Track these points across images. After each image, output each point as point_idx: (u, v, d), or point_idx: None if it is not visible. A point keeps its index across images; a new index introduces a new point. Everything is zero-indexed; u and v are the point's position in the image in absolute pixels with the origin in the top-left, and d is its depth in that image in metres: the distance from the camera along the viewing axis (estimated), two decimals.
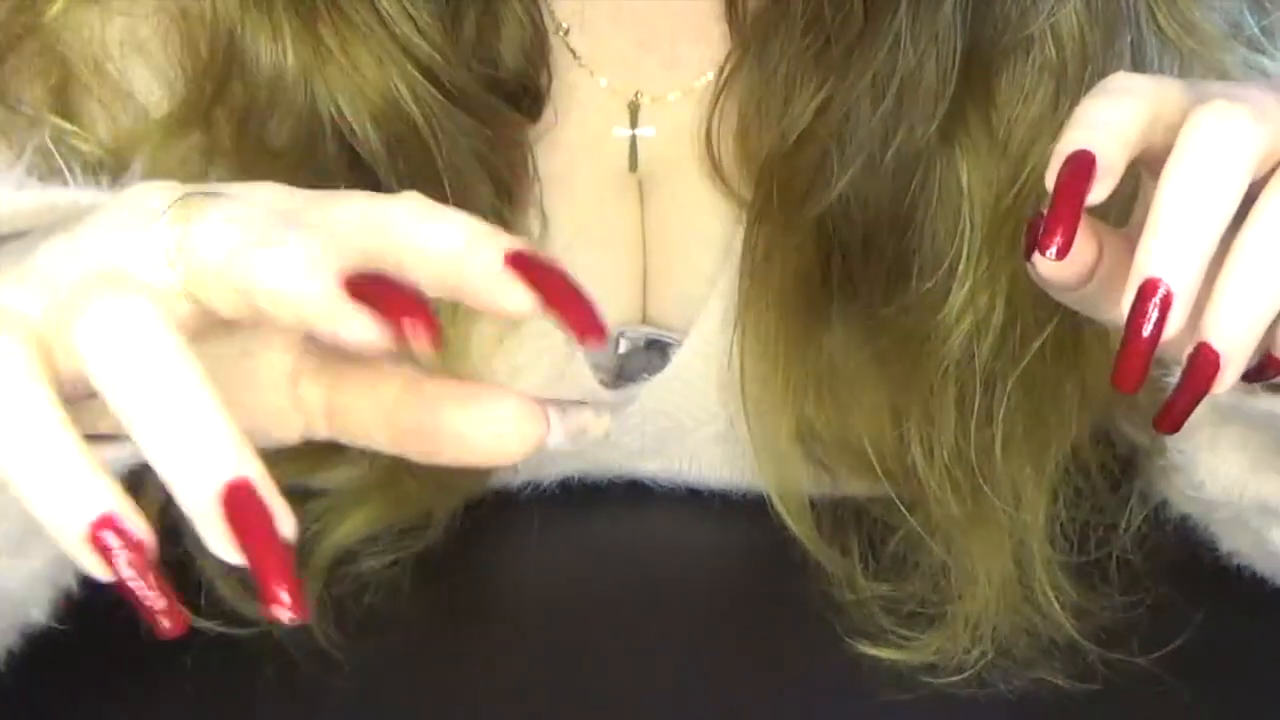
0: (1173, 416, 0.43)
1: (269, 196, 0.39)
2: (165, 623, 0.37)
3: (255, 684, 0.57)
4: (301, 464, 0.63)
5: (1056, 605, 0.59)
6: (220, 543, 0.36)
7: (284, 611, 0.36)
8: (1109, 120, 0.43)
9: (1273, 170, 0.42)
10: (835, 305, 0.61)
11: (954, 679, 0.57)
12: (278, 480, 0.62)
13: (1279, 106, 0.43)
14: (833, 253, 0.60)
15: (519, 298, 0.37)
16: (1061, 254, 0.43)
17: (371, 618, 0.60)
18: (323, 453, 0.63)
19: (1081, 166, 0.42)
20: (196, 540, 0.59)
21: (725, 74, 0.62)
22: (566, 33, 0.63)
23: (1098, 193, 0.42)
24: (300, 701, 0.58)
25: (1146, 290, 0.41)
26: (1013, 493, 0.60)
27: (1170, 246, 0.41)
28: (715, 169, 0.63)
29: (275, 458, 0.62)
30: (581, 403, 0.41)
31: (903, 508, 0.62)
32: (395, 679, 0.58)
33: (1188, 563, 0.62)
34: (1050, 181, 0.43)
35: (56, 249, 0.39)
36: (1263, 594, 0.62)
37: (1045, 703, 0.57)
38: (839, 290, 0.60)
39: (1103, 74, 0.56)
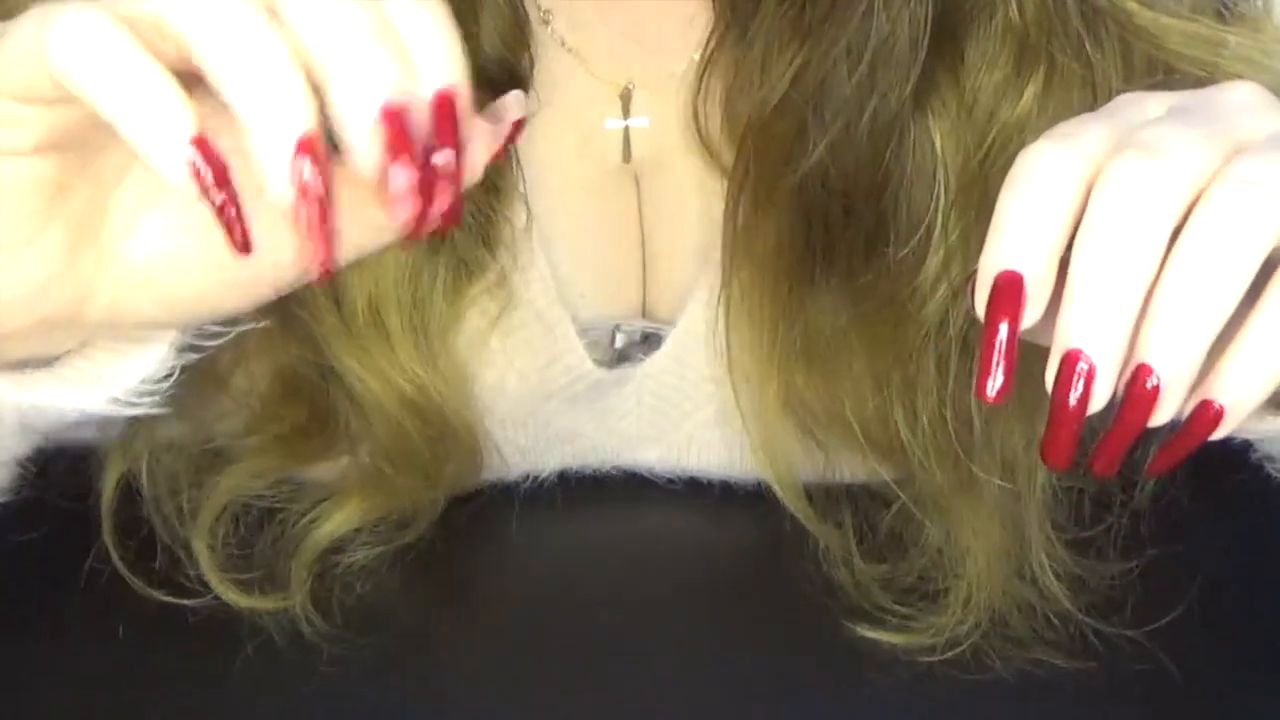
0: (1108, 454, 0.43)
1: None
2: (237, 236, 0.41)
3: (234, 665, 0.58)
4: (290, 458, 0.63)
5: (1052, 576, 0.59)
6: (279, 179, 0.40)
7: (315, 257, 0.41)
8: (1033, 227, 0.42)
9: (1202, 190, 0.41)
10: (818, 272, 0.61)
11: (949, 655, 0.57)
12: (263, 474, 0.63)
13: (1196, 131, 0.42)
14: (813, 219, 0.60)
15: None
16: (1003, 393, 0.42)
17: (362, 609, 0.60)
18: (311, 446, 0.63)
19: (1011, 291, 0.42)
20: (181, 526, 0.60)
21: (709, 50, 0.62)
22: (548, 16, 0.63)
23: (1031, 315, 0.42)
24: (283, 688, 0.58)
25: (1069, 361, 0.41)
26: (1002, 462, 0.60)
27: (1089, 317, 0.41)
28: (703, 145, 0.63)
29: (265, 453, 0.63)
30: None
31: (891, 483, 0.62)
32: (385, 670, 0.58)
33: (1187, 532, 0.62)
34: (980, 308, 0.42)
35: None
36: (1262, 561, 0.62)
37: (1042, 683, 0.57)
38: (821, 257, 0.60)
39: (1062, 39, 0.57)
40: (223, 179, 0.40)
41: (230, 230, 0.41)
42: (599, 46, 0.64)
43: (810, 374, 0.62)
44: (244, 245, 0.41)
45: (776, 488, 0.63)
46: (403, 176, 0.41)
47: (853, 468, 0.64)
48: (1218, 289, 0.40)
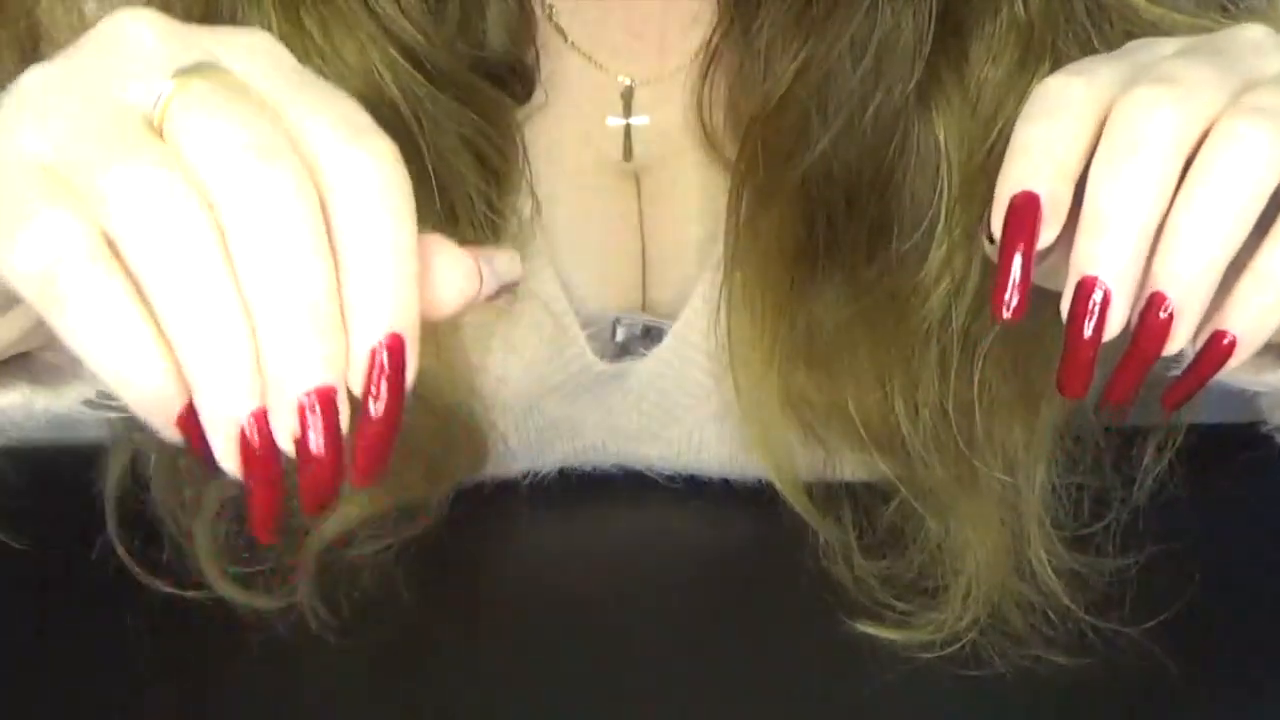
0: (1123, 383, 0.43)
1: (263, 70, 0.39)
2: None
3: (239, 657, 0.58)
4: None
5: (1051, 573, 0.59)
6: (226, 455, 0.37)
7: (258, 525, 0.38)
8: (1049, 150, 0.43)
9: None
10: (820, 267, 0.61)
11: (948, 651, 0.57)
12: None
13: (1208, 68, 0.43)
14: (816, 214, 0.60)
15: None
16: (1018, 314, 0.43)
17: (364, 601, 0.60)
18: None
19: (1027, 211, 0.42)
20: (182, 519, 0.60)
21: (713, 46, 0.62)
22: (552, 11, 0.63)
23: (1046, 237, 0.42)
24: (288, 679, 0.58)
25: (1084, 289, 0.41)
26: (1003, 458, 0.60)
27: (1104, 244, 0.41)
28: (708, 139, 0.63)
29: None
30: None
31: (893, 477, 0.62)
32: (389, 662, 0.59)
33: (1185, 529, 0.61)
34: (997, 227, 0.43)
35: (50, 78, 0.39)
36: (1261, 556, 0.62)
37: (1041, 679, 0.57)
38: (823, 252, 0.61)
39: (1067, 34, 0.57)
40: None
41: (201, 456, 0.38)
42: (602, 43, 0.64)
43: (811, 369, 0.62)
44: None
45: (776, 482, 0.63)
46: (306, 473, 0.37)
47: (852, 465, 0.64)
48: (1230, 217, 0.41)
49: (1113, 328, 0.42)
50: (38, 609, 0.61)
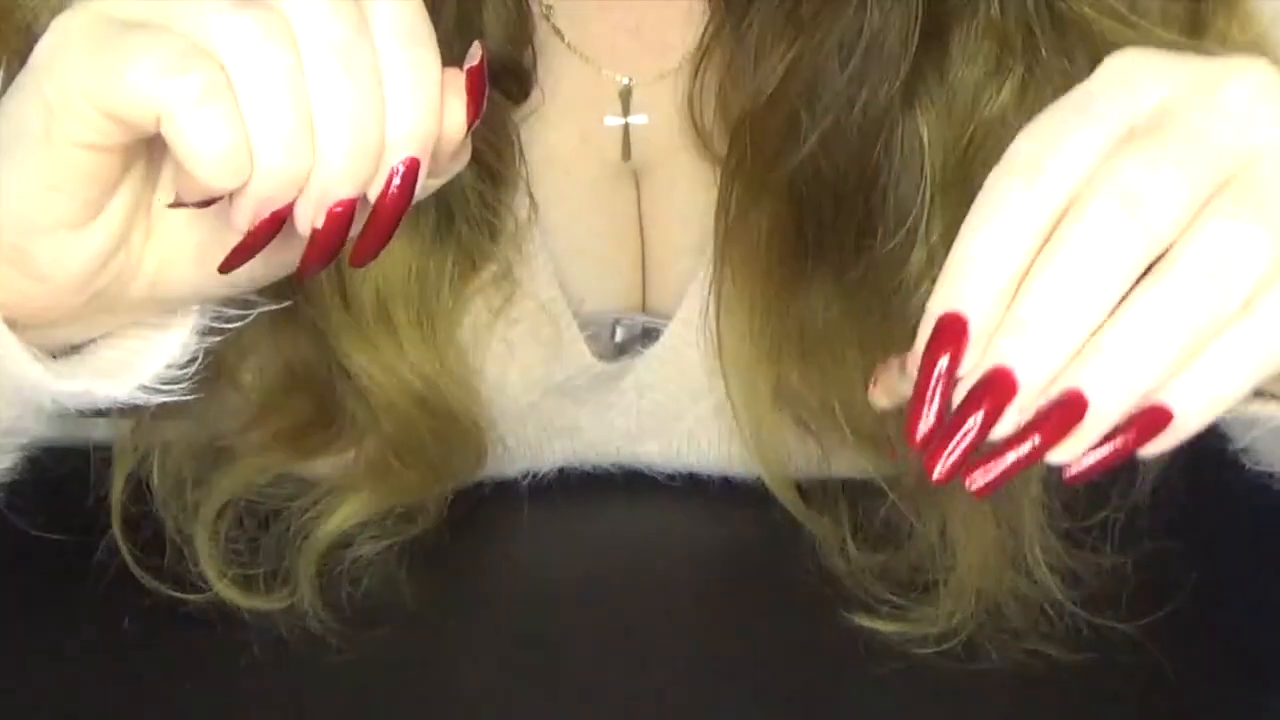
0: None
1: None
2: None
3: (241, 659, 0.58)
4: (294, 453, 0.63)
5: (1046, 570, 0.59)
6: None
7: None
8: (990, 262, 0.40)
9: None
10: (809, 263, 0.61)
11: (945, 647, 0.58)
12: (268, 469, 0.63)
13: (1177, 172, 0.39)
14: (804, 211, 0.60)
15: None
16: (929, 437, 0.41)
17: (366, 603, 0.61)
18: (316, 441, 0.63)
19: (950, 335, 0.40)
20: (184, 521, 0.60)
21: (705, 43, 0.62)
22: (549, 11, 0.63)
23: (971, 359, 0.40)
24: (290, 680, 0.58)
25: (997, 378, 0.40)
26: None
27: (1028, 349, 0.39)
28: (699, 137, 0.63)
29: (270, 448, 0.63)
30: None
31: (880, 476, 0.62)
32: (391, 662, 0.59)
33: (1182, 526, 0.62)
34: (919, 349, 0.41)
35: None
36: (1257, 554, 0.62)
37: (1037, 674, 0.57)
38: (812, 249, 0.61)
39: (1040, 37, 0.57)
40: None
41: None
42: (599, 43, 0.64)
43: (803, 365, 0.62)
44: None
45: (766, 479, 0.64)
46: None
47: (848, 461, 0.64)
48: (1166, 342, 0.39)
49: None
50: (39, 611, 0.61)
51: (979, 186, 0.41)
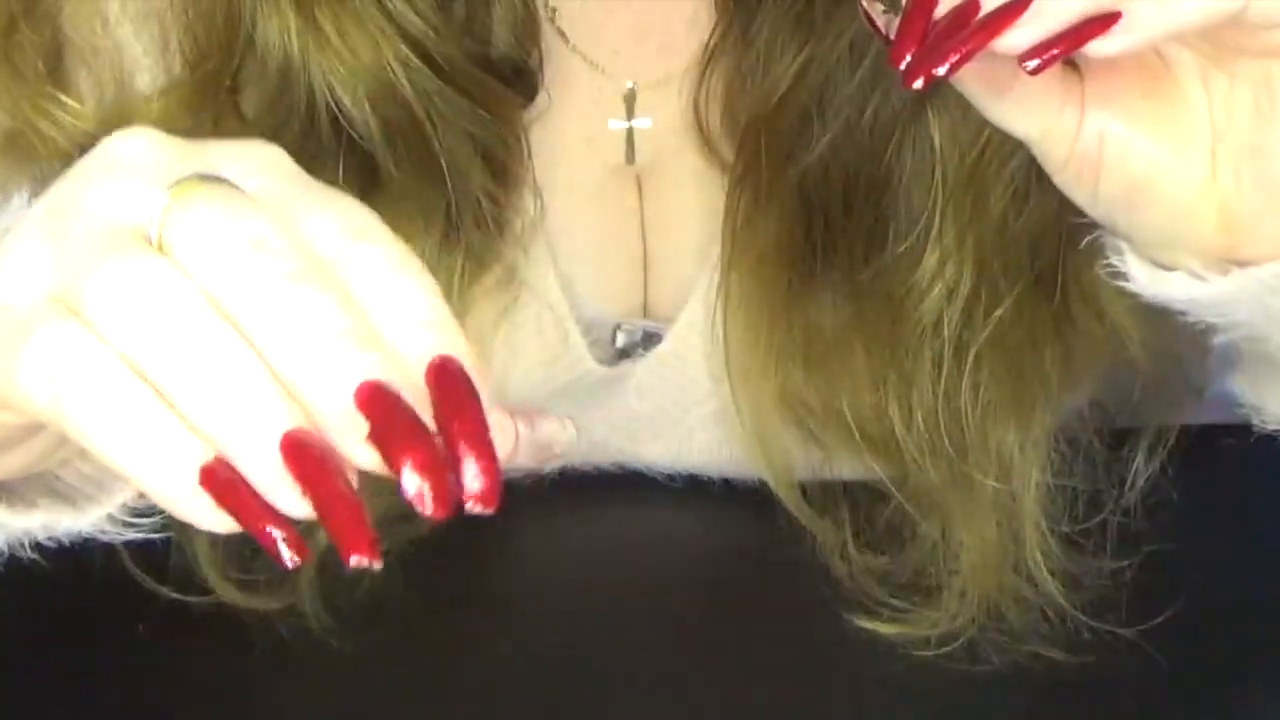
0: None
1: (263, 183, 0.38)
2: (287, 554, 0.36)
3: (242, 661, 0.58)
4: None
5: (1046, 573, 0.59)
6: (288, 497, 0.35)
7: (363, 560, 0.35)
8: None
9: None
10: (817, 268, 0.61)
11: (945, 649, 0.58)
12: None
13: None
14: (814, 216, 0.60)
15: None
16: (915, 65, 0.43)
17: (366, 603, 0.60)
18: None
19: None
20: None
21: (712, 46, 0.62)
22: (554, 14, 0.63)
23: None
24: (292, 682, 0.58)
25: None
26: (998, 460, 0.60)
27: None
28: (705, 141, 0.63)
29: None
30: (543, 411, 0.39)
31: (887, 481, 0.62)
32: (388, 663, 0.59)
33: (1181, 530, 0.62)
34: None
35: (51, 208, 0.39)
36: (1254, 560, 0.62)
37: (1038, 676, 0.57)
38: (820, 253, 0.61)
39: None
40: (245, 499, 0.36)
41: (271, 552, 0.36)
42: (603, 46, 0.64)
43: (808, 370, 0.62)
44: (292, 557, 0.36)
45: (771, 483, 0.64)
46: (412, 480, 0.35)
47: (850, 465, 0.64)
48: None
49: None
50: (41, 614, 0.61)
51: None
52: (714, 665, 0.59)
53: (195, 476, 0.35)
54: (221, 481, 0.35)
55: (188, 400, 0.35)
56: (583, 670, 0.59)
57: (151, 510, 0.47)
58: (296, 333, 0.35)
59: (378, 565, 0.35)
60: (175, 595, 0.60)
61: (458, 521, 0.63)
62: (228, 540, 0.60)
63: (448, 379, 0.35)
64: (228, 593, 0.60)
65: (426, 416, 0.35)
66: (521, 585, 0.65)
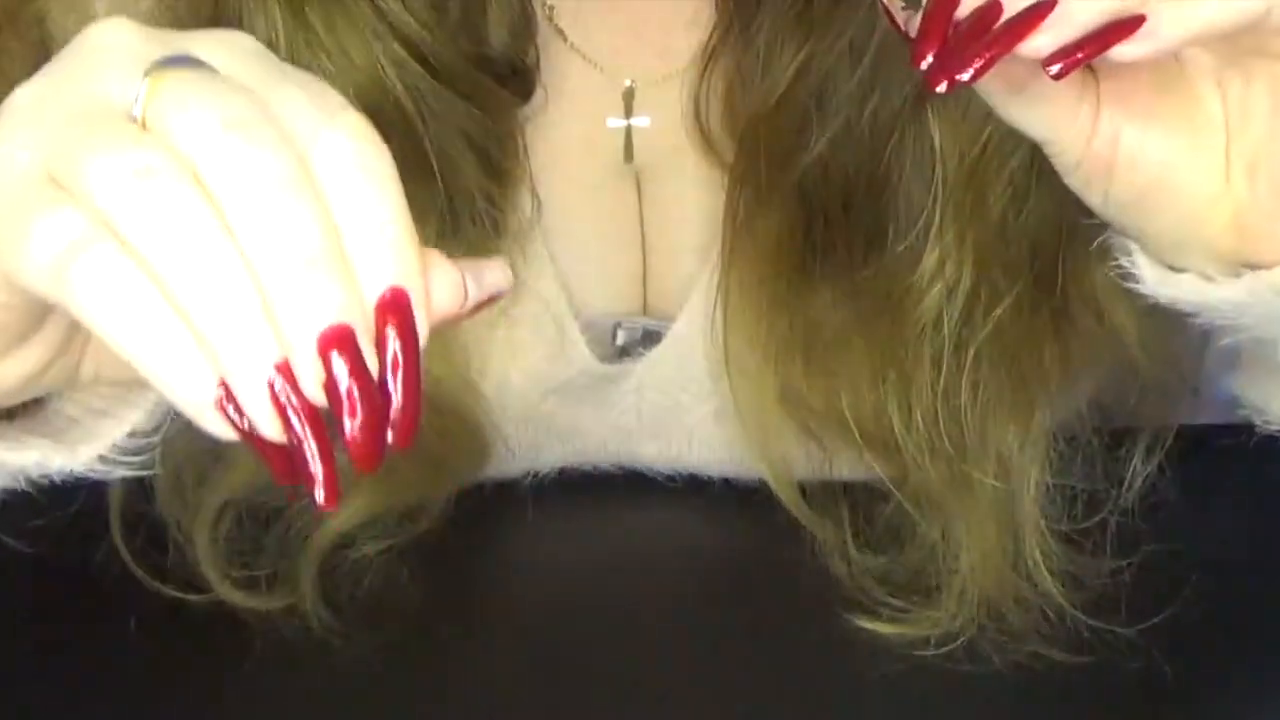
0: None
1: (237, 66, 0.40)
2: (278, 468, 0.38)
3: (243, 660, 0.58)
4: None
5: (1046, 573, 0.59)
6: (267, 421, 0.37)
7: (320, 491, 0.38)
8: None
9: None
10: (817, 267, 0.61)
11: (945, 649, 0.58)
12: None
13: None
14: (813, 216, 0.60)
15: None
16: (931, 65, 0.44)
17: (368, 602, 0.61)
18: None
19: None
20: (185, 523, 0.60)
21: (712, 45, 0.62)
22: (552, 12, 0.63)
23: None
24: (293, 681, 0.58)
25: None
26: (997, 460, 0.60)
27: None
28: (705, 140, 0.63)
29: None
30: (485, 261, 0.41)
31: (887, 481, 0.62)
32: (393, 663, 0.59)
33: (1181, 530, 0.62)
34: None
35: (36, 92, 0.40)
36: (1254, 560, 0.62)
37: (1038, 676, 0.57)
38: (820, 252, 0.61)
39: None
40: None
41: (273, 465, 0.38)
42: (602, 44, 0.64)
43: (808, 369, 0.62)
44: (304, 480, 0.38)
45: (771, 482, 0.64)
46: (352, 430, 0.37)
47: (850, 464, 0.64)
48: None
49: None
50: (42, 613, 0.61)
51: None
52: (714, 665, 0.59)
53: (200, 357, 0.37)
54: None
55: (184, 295, 0.37)
56: (583, 670, 0.59)
57: (142, 449, 0.48)
58: (276, 250, 0.36)
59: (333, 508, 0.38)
60: (175, 594, 0.60)
61: (458, 521, 0.64)
62: (228, 540, 0.61)
63: (396, 314, 0.38)
64: (228, 592, 0.60)
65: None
66: (521, 585, 0.65)
